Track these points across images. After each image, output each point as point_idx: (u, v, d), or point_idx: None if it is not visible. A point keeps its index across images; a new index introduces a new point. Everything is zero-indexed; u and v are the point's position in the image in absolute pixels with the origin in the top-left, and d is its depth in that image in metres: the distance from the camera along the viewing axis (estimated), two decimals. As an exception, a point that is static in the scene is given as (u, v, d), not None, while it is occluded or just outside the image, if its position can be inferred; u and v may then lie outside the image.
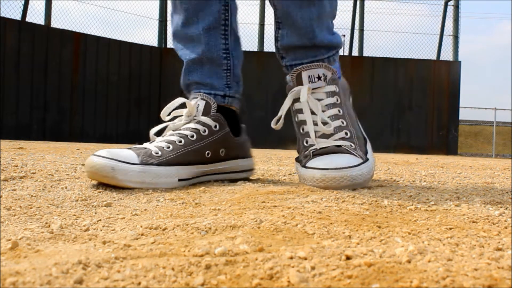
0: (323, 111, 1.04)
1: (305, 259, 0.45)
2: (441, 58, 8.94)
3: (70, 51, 7.42)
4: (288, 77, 1.12)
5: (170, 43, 8.08)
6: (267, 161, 2.19)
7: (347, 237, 0.56)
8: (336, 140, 1.02)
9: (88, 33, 7.73)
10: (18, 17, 7.07)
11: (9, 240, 0.54)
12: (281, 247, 0.50)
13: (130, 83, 7.80)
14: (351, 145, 1.01)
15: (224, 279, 0.41)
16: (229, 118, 1.13)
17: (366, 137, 1.11)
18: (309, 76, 1.05)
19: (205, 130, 1.07)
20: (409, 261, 0.45)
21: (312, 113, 1.04)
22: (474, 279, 0.40)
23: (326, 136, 1.02)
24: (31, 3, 7.30)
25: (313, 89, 1.05)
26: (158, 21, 8.47)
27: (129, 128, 7.87)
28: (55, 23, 7.56)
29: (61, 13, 8.45)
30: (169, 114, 1.09)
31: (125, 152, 0.96)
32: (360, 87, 8.33)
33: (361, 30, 8.88)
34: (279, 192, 0.91)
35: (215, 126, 1.08)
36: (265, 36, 8.82)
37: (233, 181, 1.12)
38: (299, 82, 1.05)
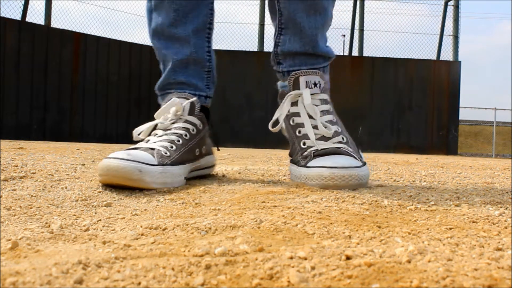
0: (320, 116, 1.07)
1: (305, 259, 0.45)
2: (441, 58, 8.94)
3: (70, 51, 7.42)
4: (279, 83, 1.15)
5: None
6: (267, 161, 2.19)
7: (347, 237, 0.56)
8: (335, 143, 1.03)
9: (88, 33, 7.73)
10: (18, 17, 7.07)
11: (9, 240, 0.54)
12: (281, 247, 0.50)
13: (130, 83, 7.80)
14: (349, 149, 1.03)
15: (224, 279, 0.41)
16: (206, 117, 1.19)
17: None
18: (306, 82, 1.08)
19: (193, 129, 1.10)
20: (409, 261, 0.45)
21: (310, 117, 1.06)
22: (474, 279, 0.40)
23: (325, 138, 1.04)
24: (31, 3, 7.30)
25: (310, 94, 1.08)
26: (158, 21, 8.46)
27: (129, 128, 7.86)
28: (55, 23, 7.56)
29: (61, 13, 8.46)
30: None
31: (143, 153, 0.96)
32: (360, 87, 8.34)
33: (361, 30, 8.88)
34: (279, 192, 0.91)
35: (200, 125, 1.12)
36: (265, 36, 8.81)
37: (233, 181, 1.12)
38: (296, 87, 1.08)
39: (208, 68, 1.22)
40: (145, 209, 0.78)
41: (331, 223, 0.62)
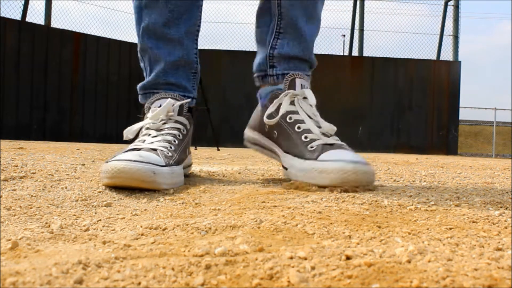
0: None
1: (305, 259, 0.45)
2: (441, 58, 8.94)
3: (70, 51, 7.43)
4: (265, 89, 1.16)
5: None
6: (267, 161, 2.19)
7: (347, 237, 0.56)
8: (336, 140, 1.02)
9: (88, 33, 7.74)
10: (18, 17, 7.07)
11: (9, 240, 0.54)
12: (281, 247, 0.50)
13: (130, 83, 7.80)
14: (347, 146, 1.02)
15: (224, 279, 0.41)
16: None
17: None
18: (301, 85, 1.09)
19: (183, 130, 1.11)
20: (409, 261, 0.45)
21: (309, 116, 1.06)
22: (474, 279, 0.40)
23: (326, 135, 1.03)
24: (31, 3, 7.30)
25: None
26: (158, 21, 8.47)
27: (129, 128, 7.87)
28: (55, 23, 7.56)
29: (61, 13, 8.46)
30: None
31: (151, 154, 0.95)
32: (360, 87, 8.34)
33: (361, 30, 8.88)
34: (279, 192, 0.91)
35: (188, 125, 1.14)
36: (265, 36, 8.80)
37: (233, 181, 1.12)
38: (292, 88, 1.08)
39: (195, 69, 1.23)
40: (145, 209, 0.78)
41: (331, 223, 0.62)
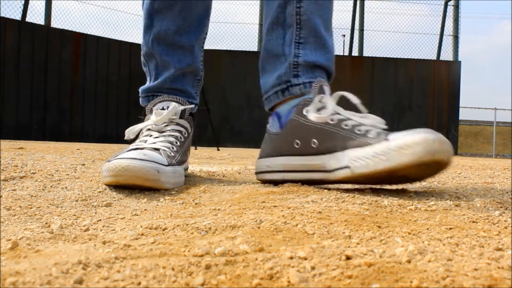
0: None
1: (305, 259, 0.45)
2: (441, 58, 8.94)
3: (70, 51, 7.43)
4: (281, 108, 1.07)
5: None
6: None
7: (347, 237, 0.56)
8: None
9: (88, 33, 7.74)
10: (18, 17, 7.07)
11: (9, 240, 0.54)
12: (281, 247, 0.50)
13: (130, 83, 7.81)
14: None
15: (224, 279, 0.41)
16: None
17: None
18: (329, 93, 1.04)
19: (185, 132, 1.11)
20: (409, 261, 0.45)
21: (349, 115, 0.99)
22: (474, 279, 0.40)
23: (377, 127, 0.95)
24: (31, 3, 7.30)
25: None
26: (158, 21, 8.47)
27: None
28: (55, 23, 7.56)
29: (61, 13, 8.46)
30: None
31: (155, 153, 0.95)
32: (360, 87, 8.34)
33: (361, 30, 8.88)
34: (279, 192, 0.91)
35: (189, 128, 1.14)
36: (265, 36, 8.81)
37: (233, 181, 1.12)
38: (321, 94, 1.02)
39: (200, 76, 1.23)
40: (145, 209, 0.78)
41: (331, 223, 0.62)
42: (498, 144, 14.45)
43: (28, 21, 7.15)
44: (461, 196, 0.87)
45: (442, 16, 9.05)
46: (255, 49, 8.73)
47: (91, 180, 1.01)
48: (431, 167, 0.82)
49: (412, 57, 9.00)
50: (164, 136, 1.06)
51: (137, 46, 8.05)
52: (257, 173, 1.12)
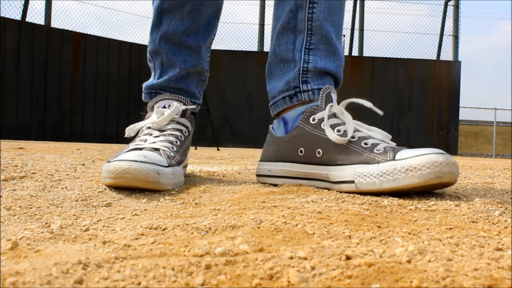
0: None
1: (305, 259, 0.45)
2: (441, 58, 8.95)
3: (70, 51, 7.43)
4: (288, 114, 1.06)
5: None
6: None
7: (347, 237, 0.56)
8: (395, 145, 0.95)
9: (88, 33, 7.74)
10: (18, 17, 7.07)
11: (9, 240, 0.54)
12: (281, 247, 0.50)
13: (130, 83, 7.81)
14: None
15: (224, 279, 0.41)
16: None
17: None
18: (336, 100, 1.04)
19: (185, 131, 1.11)
20: (409, 261, 0.45)
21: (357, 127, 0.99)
22: (474, 279, 0.40)
23: (385, 141, 0.95)
24: (31, 3, 7.30)
25: None
26: (158, 21, 8.47)
27: (129, 128, 7.87)
28: (55, 23, 7.56)
29: (61, 13, 8.47)
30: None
31: (155, 154, 0.95)
32: (360, 87, 8.34)
33: (361, 30, 8.89)
34: (279, 192, 0.91)
35: (190, 127, 1.13)
36: (265, 36, 8.82)
37: (233, 181, 1.12)
38: (328, 101, 1.01)
39: (205, 77, 1.23)
40: (145, 209, 0.78)
41: (331, 223, 0.62)
42: (498, 144, 14.45)
43: (28, 21, 7.15)
44: (461, 196, 0.87)
45: (442, 16, 9.05)
46: (255, 49, 8.73)
47: (91, 180, 1.01)
48: (437, 186, 0.84)
49: (412, 57, 9.01)
50: (164, 135, 1.06)
51: (137, 46, 8.06)
52: (258, 175, 1.12)
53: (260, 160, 1.12)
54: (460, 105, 9.01)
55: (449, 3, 9.08)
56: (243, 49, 8.74)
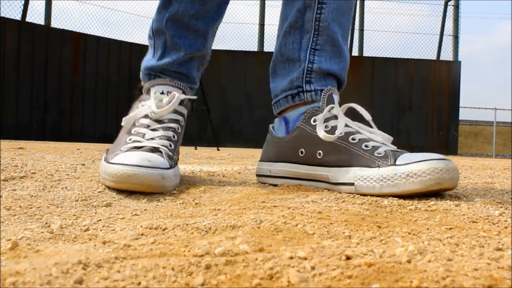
0: None
1: (305, 259, 0.45)
2: (441, 58, 8.95)
3: (70, 51, 7.43)
4: (289, 114, 1.06)
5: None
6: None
7: (347, 237, 0.56)
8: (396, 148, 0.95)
9: (88, 33, 7.74)
10: (18, 17, 7.08)
11: (9, 240, 0.54)
12: (281, 247, 0.50)
13: (130, 83, 7.81)
14: None
15: (224, 279, 0.41)
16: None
17: None
18: (338, 102, 1.03)
19: (182, 120, 1.08)
20: (409, 261, 0.45)
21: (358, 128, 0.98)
22: (474, 279, 0.40)
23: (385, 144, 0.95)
24: (31, 3, 7.30)
25: None
26: (158, 21, 8.47)
27: (129, 128, 7.88)
28: (55, 23, 7.57)
29: (61, 13, 8.46)
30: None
31: (157, 157, 0.93)
32: (360, 87, 8.34)
33: (361, 30, 8.89)
34: (279, 192, 0.91)
35: (185, 114, 1.10)
36: (265, 36, 8.82)
37: (233, 181, 1.12)
38: (330, 103, 1.00)
39: (207, 61, 1.19)
40: (145, 209, 0.78)
41: (331, 223, 0.62)
42: (498, 144, 14.45)
43: (28, 21, 7.15)
44: (461, 196, 0.87)
45: (442, 16, 9.05)
46: (255, 49, 8.73)
47: (91, 180, 1.01)
48: (437, 191, 0.84)
49: (412, 57, 9.01)
50: (162, 128, 1.03)
51: (137, 46, 8.06)
52: (258, 175, 1.12)
53: (260, 160, 1.12)
54: (460, 105, 9.01)
55: (449, 3, 9.08)
56: (243, 49, 8.74)
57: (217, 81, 8.11)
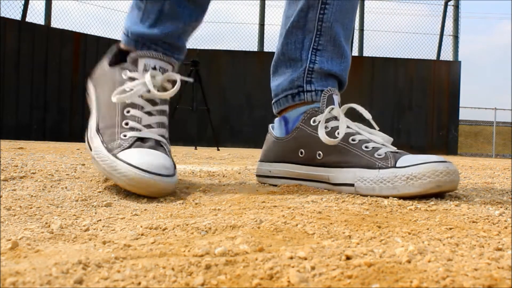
0: None
1: (305, 259, 0.45)
2: (441, 58, 8.95)
3: (70, 51, 7.43)
4: (289, 114, 1.05)
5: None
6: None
7: (347, 237, 0.56)
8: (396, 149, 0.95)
9: (88, 33, 7.74)
10: (18, 17, 7.08)
11: (9, 240, 0.54)
12: (281, 247, 0.50)
13: (130, 83, 7.80)
14: None
15: (224, 279, 0.41)
16: None
17: None
18: (338, 103, 1.02)
19: (165, 101, 1.01)
20: (409, 261, 0.45)
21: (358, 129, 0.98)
22: (474, 279, 0.40)
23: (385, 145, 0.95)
24: (31, 3, 7.30)
25: None
26: (158, 21, 8.48)
27: (129, 128, 7.88)
28: (55, 23, 7.57)
29: (61, 13, 8.46)
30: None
31: (168, 160, 0.90)
32: (360, 87, 8.34)
33: (361, 30, 8.89)
34: (279, 192, 0.91)
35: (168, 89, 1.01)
36: (265, 36, 8.82)
37: (233, 181, 1.12)
38: (330, 104, 1.00)
39: (197, 28, 1.12)
40: (145, 209, 0.78)
41: (331, 223, 0.62)
42: (498, 144, 14.45)
43: (28, 21, 7.15)
44: (461, 196, 0.87)
45: (442, 16, 9.05)
46: (255, 49, 8.73)
47: (91, 180, 1.01)
48: (437, 194, 0.84)
49: (412, 57, 9.01)
50: (157, 111, 0.97)
51: (137, 46, 8.05)
52: (258, 176, 1.12)
53: (260, 161, 1.12)
54: (460, 105, 9.01)
55: (449, 3, 9.08)
56: (243, 49, 8.74)
57: (217, 81, 8.11)
